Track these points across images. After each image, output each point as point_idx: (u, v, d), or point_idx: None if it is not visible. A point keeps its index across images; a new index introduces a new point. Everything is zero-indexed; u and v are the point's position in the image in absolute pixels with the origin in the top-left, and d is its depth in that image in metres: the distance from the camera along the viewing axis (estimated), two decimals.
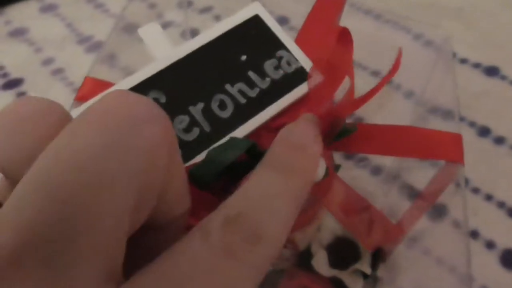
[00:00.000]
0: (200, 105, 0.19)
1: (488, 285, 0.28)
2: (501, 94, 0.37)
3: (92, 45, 0.40)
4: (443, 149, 0.21)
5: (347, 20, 0.26)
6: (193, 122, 0.19)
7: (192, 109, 0.19)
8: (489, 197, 0.31)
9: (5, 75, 0.38)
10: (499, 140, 0.34)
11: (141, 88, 0.19)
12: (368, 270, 0.25)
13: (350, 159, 0.33)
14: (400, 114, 0.33)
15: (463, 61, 0.40)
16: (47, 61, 0.39)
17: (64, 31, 0.42)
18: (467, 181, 0.32)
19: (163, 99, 0.19)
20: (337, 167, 0.31)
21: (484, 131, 0.35)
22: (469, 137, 0.35)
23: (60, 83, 0.38)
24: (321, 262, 0.25)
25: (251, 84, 0.20)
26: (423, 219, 0.30)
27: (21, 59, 0.39)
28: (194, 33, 0.37)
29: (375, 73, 0.39)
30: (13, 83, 0.37)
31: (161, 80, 0.19)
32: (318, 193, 0.21)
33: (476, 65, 0.40)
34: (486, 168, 0.33)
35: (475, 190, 0.32)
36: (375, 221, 0.27)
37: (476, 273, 0.28)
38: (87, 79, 0.21)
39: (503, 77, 0.39)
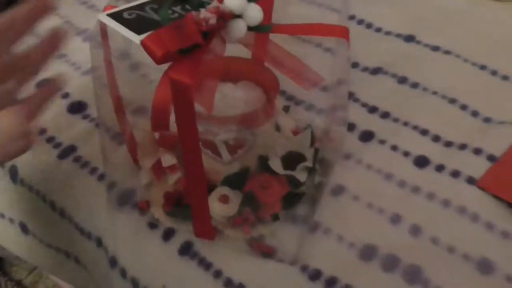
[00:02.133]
0: None
1: (406, 181, 0.37)
2: (416, 54, 0.48)
3: (87, 35, 0.49)
4: (334, 31, 0.30)
5: None
6: None
7: None
8: (402, 121, 0.41)
9: None
10: (415, 85, 0.44)
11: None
12: (310, 164, 0.34)
13: (298, 105, 0.42)
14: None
15: (388, 33, 0.51)
16: None
17: (64, 26, 0.50)
18: (388, 114, 0.42)
19: None
20: (286, 108, 0.41)
21: (403, 80, 0.45)
22: (391, 84, 0.45)
23: (65, 64, 0.46)
24: (276, 165, 0.34)
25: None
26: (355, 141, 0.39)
27: None
28: None
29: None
30: None
31: None
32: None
33: (398, 35, 0.50)
34: (404, 103, 0.43)
35: (396, 120, 0.41)
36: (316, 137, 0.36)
37: (394, 172, 0.37)
38: (107, 6, 0.29)
39: (418, 42, 0.49)
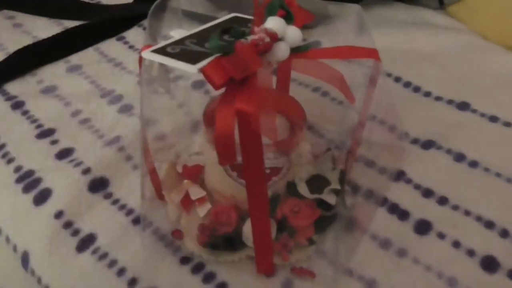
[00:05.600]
0: None
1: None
2: (472, 125, 0.43)
3: (113, 98, 0.46)
4: (365, 53, 0.31)
5: None
6: None
7: None
8: (462, 209, 0.36)
9: (39, 126, 0.43)
10: (474, 164, 0.39)
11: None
12: (337, 186, 0.34)
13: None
14: None
15: (438, 98, 0.46)
16: (76, 113, 0.45)
17: (88, 87, 0.47)
18: (447, 200, 0.37)
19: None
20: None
21: (459, 157, 0.40)
22: (446, 162, 0.40)
23: (87, 130, 0.43)
24: (304, 190, 0.34)
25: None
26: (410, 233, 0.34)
27: (52, 112, 0.45)
28: None
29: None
30: (46, 133, 0.43)
31: None
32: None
33: (450, 102, 0.45)
34: (464, 187, 0.38)
35: (455, 207, 0.36)
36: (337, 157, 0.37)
37: (458, 276, 0.32)
38: (144, 46, 0.28)
39: (474, 111, 0.44)
